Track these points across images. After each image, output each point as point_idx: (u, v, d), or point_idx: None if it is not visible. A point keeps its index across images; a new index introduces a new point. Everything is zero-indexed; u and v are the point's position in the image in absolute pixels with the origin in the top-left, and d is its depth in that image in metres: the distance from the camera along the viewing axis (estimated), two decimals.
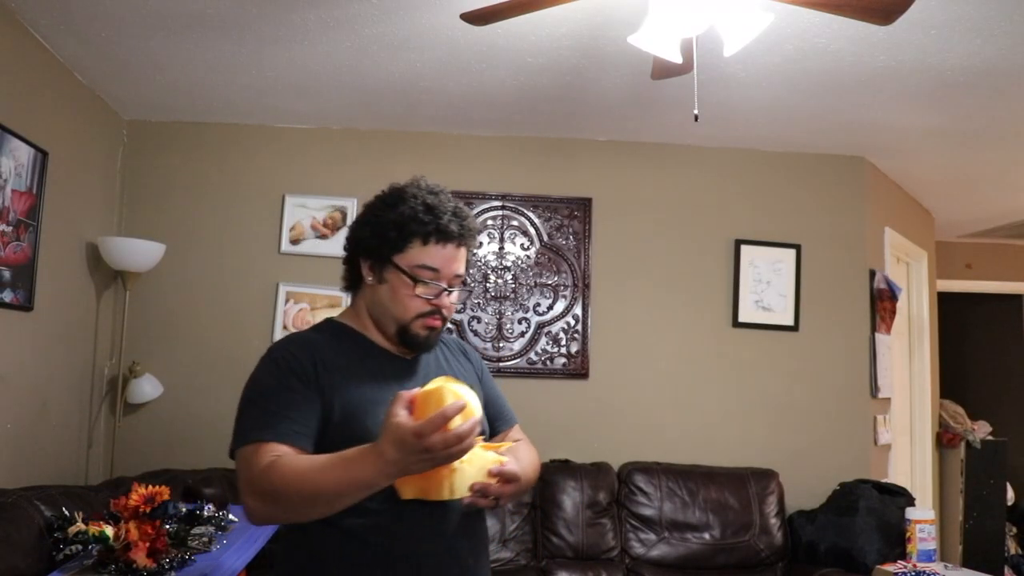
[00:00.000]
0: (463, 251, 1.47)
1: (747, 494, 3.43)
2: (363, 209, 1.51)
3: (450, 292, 1.46)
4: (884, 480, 3.72)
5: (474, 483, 1.27)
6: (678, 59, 2.01)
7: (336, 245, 3.60)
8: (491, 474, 1.29)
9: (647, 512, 3.37)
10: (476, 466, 1.27)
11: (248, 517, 1.30)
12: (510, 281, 3.70)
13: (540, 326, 3.69)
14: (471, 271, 3.68)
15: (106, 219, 3.45)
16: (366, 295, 1.49)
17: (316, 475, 1.22)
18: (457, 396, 1.18)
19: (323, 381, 1.36)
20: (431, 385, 1.23)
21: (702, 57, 2.49)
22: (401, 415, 1.14)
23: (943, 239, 5.49)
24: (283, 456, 1.26)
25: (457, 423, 1.12)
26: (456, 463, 1.21)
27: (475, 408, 1.20)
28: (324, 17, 2.57)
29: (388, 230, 1.42)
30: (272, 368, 1.38)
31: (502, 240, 3.72)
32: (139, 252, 3.26)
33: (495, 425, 1.60)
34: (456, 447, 1.12)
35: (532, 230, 3.74)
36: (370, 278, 1.46)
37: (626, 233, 3.79)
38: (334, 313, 1.60)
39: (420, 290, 1.42)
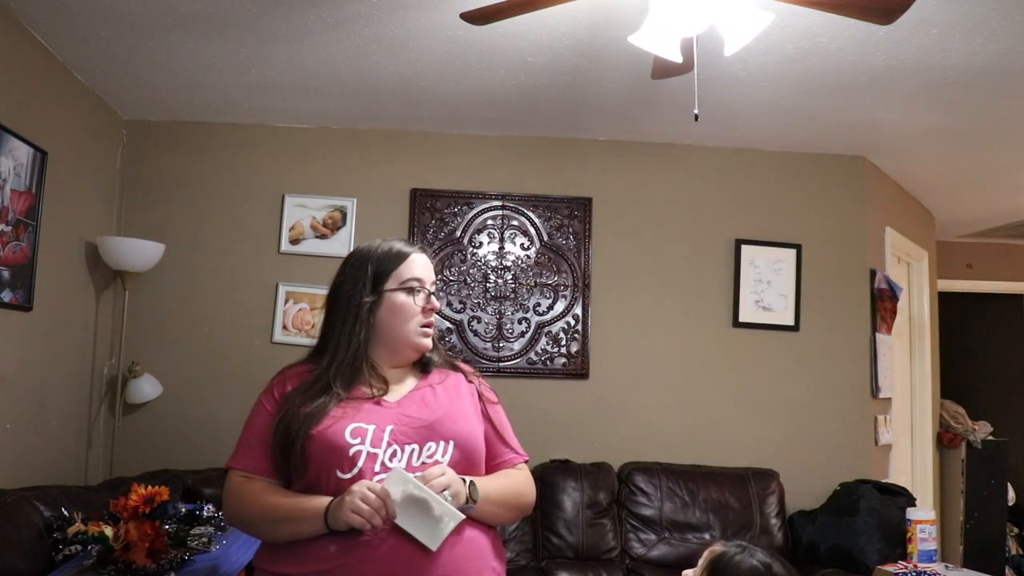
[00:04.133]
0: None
1: (747, 494, 3.43)
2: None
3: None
4: (885, 480, 3.72)
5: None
6: (678, 59, 2.01)
7: (336, 245, 3.60)
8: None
9: (647, 512, 3.37)
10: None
11: None
12: (510, 281, 3.70)
13: (540, 326, 3.69)
14: (471, 271, 3.68)
15: (105, 219, 3.45)
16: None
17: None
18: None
19: None
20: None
21: (702, 57, 2.48)
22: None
23: (944, 239, 5.49)
24: None
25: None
26: None
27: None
28: (324, 17, 2.57)
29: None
30: None
31: (502, 240, 3.72)
32: (138, 252, 3.26)
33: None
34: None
35: (532, 230, 3.73)
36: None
37: (626, 233, 3.79)
38: None
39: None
